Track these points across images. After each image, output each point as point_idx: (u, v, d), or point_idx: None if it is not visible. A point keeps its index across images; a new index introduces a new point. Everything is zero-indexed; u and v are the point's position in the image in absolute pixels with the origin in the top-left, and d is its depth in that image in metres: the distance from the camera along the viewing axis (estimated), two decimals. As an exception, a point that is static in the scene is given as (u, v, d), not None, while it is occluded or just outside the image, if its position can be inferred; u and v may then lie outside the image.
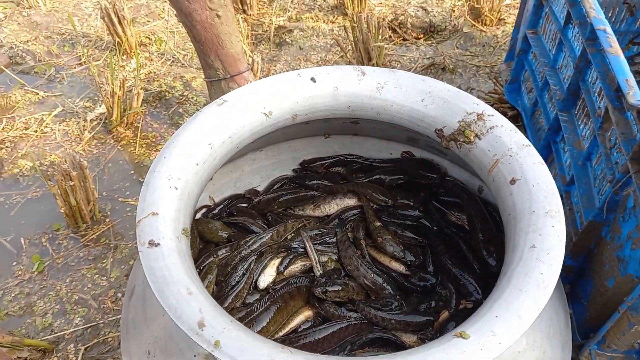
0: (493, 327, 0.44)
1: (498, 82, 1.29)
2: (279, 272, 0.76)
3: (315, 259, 0.78)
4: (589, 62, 0.81)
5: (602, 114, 0.76)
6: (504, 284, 0.48)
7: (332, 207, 0.86)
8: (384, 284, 0.73)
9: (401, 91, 0.67)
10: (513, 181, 0.56)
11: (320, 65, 1.46)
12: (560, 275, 0.84)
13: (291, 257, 0.77)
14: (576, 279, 0.84)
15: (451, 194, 0.84)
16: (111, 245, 1.04)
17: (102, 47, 1.58)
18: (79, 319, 0.92)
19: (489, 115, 0.62)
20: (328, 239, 0.81)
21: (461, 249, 0.76)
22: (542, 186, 0.54)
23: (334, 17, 1.64)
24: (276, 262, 0.77)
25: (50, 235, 1.06)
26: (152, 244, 0.49)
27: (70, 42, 1.62)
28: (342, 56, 1.47)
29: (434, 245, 0.79)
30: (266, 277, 0.75)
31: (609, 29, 0.75)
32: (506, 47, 1.43)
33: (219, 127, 0.63)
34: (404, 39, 1.55)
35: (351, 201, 0.86)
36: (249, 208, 0.87)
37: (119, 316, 0.92)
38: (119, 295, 0.94)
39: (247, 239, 0.79)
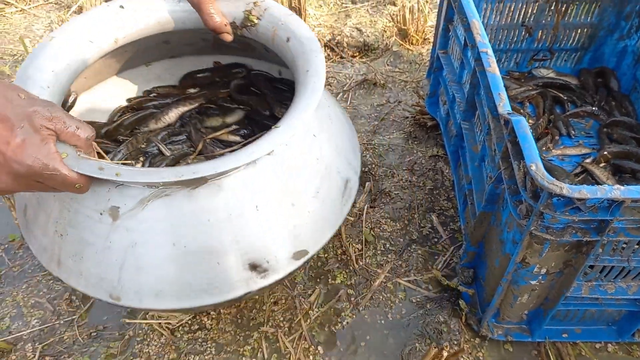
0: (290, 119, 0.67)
1: (420, 95, 1.44)
2: None
3: (168, 153, 0.94)
4: (479, 79, 0.96)
5: (488, 122, 0.91)
6: (294, 101, 0.71)
7: (171, 116, 1.01)
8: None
9: None
10: (288, 39, 0.78)
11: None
12: (466, 261, 0.98)
13: (150, 158, 0.92)
14: (477, 263, 0.98)
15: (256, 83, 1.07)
16: (65, 254, 1.12)
17: (54, 68, 1.65)
18: (35, 320, 0.99)
19: (261, 0, 0.82)
20: (175, 138, 0.97)
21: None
22: (305, 36, 0.77)
23: (276, 37, 1.77)
24: (139, 165, 0.91)
25: (6, 245, 1.13)
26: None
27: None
28: (283, 74, 1.59)
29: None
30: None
31: (489, 51, 0.90)
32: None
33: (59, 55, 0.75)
34: (342, 57, 1.69)
35: (185, 107, 1.02)
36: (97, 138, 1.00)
37: (73, 317, 0.99)
38: (73, 297, 1.02)
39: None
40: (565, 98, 1.32)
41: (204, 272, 0.67)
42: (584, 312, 0.88)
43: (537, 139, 1.22)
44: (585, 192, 0.62)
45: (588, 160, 1.16)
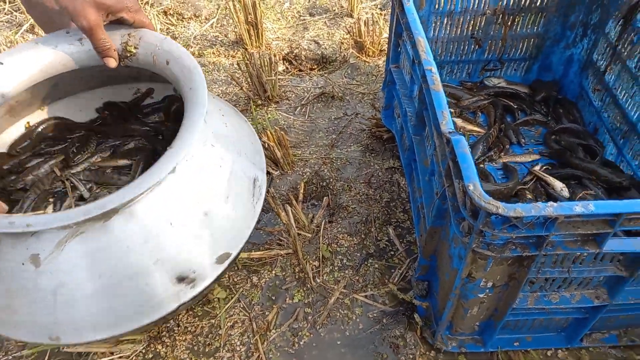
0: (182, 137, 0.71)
1: (376, 108, 1.45)
2: None
3: (82, 188, 0.93)
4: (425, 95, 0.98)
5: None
6: (184, 117, 0.74)
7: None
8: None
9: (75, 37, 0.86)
10: (168, 62, 0.82)
11: (221, 97, 1.57)
12: (420, 274, 0.99)
13: (59, 199, 0.90)
14: (431, 276, 0.99)
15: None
16: None
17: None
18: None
19: (134, 30, 0.85)
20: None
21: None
22: (182, 56, 0.81)
23: (234, 51, 1.76)
24: (49, 209, 0.88)
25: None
26: None
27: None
28: (241, 88, 1.58)
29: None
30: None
31: (434, 69, 0.92)
32: (386, 76, 1.61)
33: None
34: (300, 70, 1.70)
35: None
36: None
37: (22, 352, 0.96)
38: (23, 330, 0.99)
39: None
40: (516, 107, 1.35)
41: (134, 296, 0.70)
42: (533, 320, 0.90)
43: (488, 149, 1.25)
44: (520, 210, 0.64)
45: (537, 167, 1.19)
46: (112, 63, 0.84)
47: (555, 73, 1.41)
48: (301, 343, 0.97)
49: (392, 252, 1.11)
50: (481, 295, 0.82)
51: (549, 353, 0.94)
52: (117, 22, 0.84)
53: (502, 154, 1.22)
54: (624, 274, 0.76)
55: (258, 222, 1.19)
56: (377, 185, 1.26)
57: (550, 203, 0.65)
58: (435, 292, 0.96)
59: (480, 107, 1.35)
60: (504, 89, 1.39)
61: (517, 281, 0.78)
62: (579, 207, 0.65)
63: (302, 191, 1.22)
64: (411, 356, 0.93)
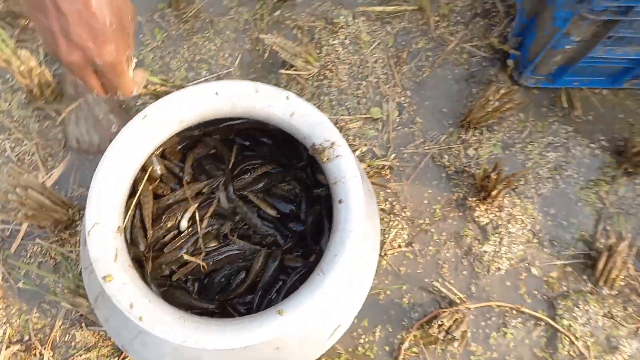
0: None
1: None
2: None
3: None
4: None
5: None
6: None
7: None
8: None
9: (290, 109, 0.84)
10: (341, 201, 0.79)
11: None
12: (517, 31, 1.35)
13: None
14: (525, 34, 1.35)
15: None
16: (207, 20, 1.45)
17: None
18: (204, 72, 1.39)
19: (337, 145, 0.81)
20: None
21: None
22: (355, 206, 0.78)
23: None
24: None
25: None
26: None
27: None
28: None
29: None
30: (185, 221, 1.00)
31: None
32: None
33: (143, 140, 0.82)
34: None
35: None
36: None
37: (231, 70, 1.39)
38: (227, 54, 1.40)
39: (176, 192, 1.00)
40: None
41: None
42: (594, 67, 1.30)
43: None
44: (624, -12, 0.97)
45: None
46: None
47: None
48: (424, 76, 1.39)
49: (495, 13, 1.44)
50: (568, 47, 1.20)
51: (596, 91, 1.37)
52: None
53: None
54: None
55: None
56: (484, -45, 1.50)
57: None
58: (526, 45, 1.34)
59: None
60: None
61: (598, 38, 1.15)
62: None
63: (423, -43, 1.48)
64: (500, 87, 1.36)
